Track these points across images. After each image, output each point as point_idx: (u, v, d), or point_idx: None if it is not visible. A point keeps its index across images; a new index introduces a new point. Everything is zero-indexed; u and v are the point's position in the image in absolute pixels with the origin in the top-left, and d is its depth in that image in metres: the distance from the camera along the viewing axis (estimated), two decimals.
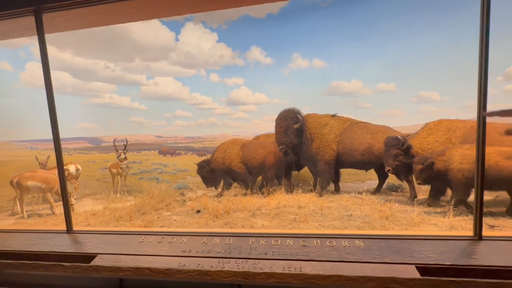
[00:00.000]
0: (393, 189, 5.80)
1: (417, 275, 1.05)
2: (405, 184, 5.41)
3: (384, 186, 5.87)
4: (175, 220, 4.56)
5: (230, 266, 1.29)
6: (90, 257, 1.57)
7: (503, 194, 4.27)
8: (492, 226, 3.55)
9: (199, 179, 6.55)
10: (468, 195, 4.04)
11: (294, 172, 6.72)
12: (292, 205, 4.85)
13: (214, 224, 4.27)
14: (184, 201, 5.80)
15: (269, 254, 1.39)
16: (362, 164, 5.83)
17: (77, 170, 6.73)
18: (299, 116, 5.90)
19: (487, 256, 1.17)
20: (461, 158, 4.10)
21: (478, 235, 1.33)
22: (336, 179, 6.03)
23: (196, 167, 6.43)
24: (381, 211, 4.18)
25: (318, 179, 6.01)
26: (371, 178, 6.57)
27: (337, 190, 5.97)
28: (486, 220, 3.72)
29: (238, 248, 1.46)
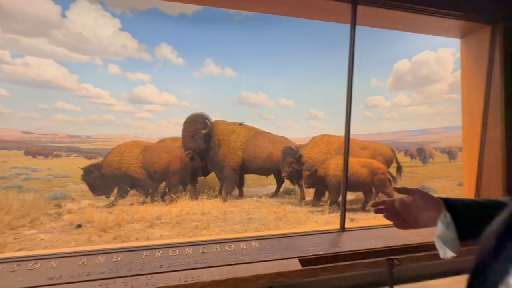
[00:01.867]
0: (288, 192, 6.60)
1: (298, 266, 1.22)
2: (297, 188, 6.27)
3: (281, 190, 6.61)
4: (42, 239, 3.58)
5: (116, 287, 1.12)
6: None
7: (360, 194, 5.62)
8: (352, 219, 4.60)
9: (85, 186, 5.45)
10: (339, 196, 5.09)
11: (201, 178, 6.62)
12: (196, 212, 4.73)
13: (100, 239, 3.62)
14: (60, 214, 4.66)
15: (164, 266, 1.29)
16: (264, 170, 6.38)
17: None
18: (207, 122, 5.90)
19: (348, 243, 1.47)
20: (335, 166, 5.15)
21: (342, 227, 1.66)
22: (240, 184, 6.33)
23: (81, 172, 5.32)
24: (276, 213, 4.68)
25: (224, 184, 6.14)
26: (271, 183, 7.25)
27: (241, 195, 6.27)
28: (349, 215, 4.79)
29: (128, 265, 1.28)
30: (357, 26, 1.45)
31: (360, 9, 1.39)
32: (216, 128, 6.16)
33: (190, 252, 1.37)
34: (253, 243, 1.45)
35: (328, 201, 5.06)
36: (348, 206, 4.96)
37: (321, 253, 1.32)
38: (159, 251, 1.38)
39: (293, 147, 5.73)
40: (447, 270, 1.53)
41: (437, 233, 0.63)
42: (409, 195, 0.67)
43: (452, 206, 0.61)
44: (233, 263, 1.26)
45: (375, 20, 1.57)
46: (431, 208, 0.63)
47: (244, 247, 1.41)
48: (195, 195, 5.84)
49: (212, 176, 6.77)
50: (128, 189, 5.57)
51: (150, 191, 5.53)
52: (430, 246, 1.38)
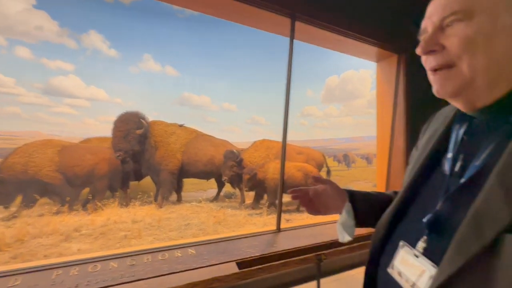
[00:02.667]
0: (229, 196, 6.60)
1: (235, 270, 1.21)
2: (237, 191, 6.32)
3: (222, 193, 6.55)
4: None
5: None
6: None
7: None
8: (288, 220, 4.89)
9: None
10: (277, 198, 5.35)
11: (134, 183, 6.02)
12: (126, 220, 4.26)
13: None
14: None
15: (82, 285, 1.11)
16: (204, 174, 6.23)
17: None
18: (143, 121, 5.44)
19: (282, 243, 1.54)
20: (274, 170, 5.41)
21: (278, 228, 1.73)
22: (178, 188, 6.02)
23: None
24: (216, 217, 4.60)
25: (160, 189, 5.73)
26: (212, 187, 7.11)
27: (179, 200, 5.96)
28: (285, 216, 5.07)
29: None
30: (296, 40, 1.57)
31: (298, 25, 1.51)
32: (154, 128, 5.73)
33: (116, 265, 1.22)
34: (189, 250, 1.39)
35: (267, 204, 5.26)
36: (284, 208, 5.26)
37: (257, 254, 1.35)
38: (75, 268, 1.18)
39: (235, 151, 5.79)
40: (364, 260, 1.77)
41: (340, 220, 0.71)
42: (322, 184, 0.73)
43: (354, 196, 0.71)
44: (166, 273, 1.17)
45: (310, 37, 1.73)
46: (338, 197, 0.71)
47: (179, 255, 1.34)
48: (125, 202, 5.28)
49: (147, 180, 6.25)
50: (37, 197, 4.63)
51: (68, 198, 4.74)
52: (351, 241, 1.58)
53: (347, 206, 0.69)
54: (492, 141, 0.44)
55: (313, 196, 0.72)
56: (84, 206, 4.96)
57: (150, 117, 5.73)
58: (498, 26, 0.43)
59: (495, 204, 0.38)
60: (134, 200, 5.29)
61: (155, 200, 5.63)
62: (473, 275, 0.37)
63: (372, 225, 0.69)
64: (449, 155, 0.51)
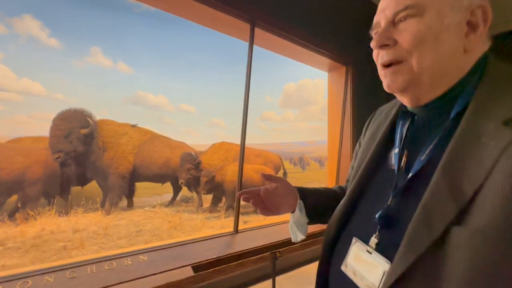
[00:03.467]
0: (185, 200, 6.36)
1: (191, 273, 1.19)
2: (195, 195, 6.14)
3: (178, 198, 6.28)
4: None
5: None
6: None
7: None
8: (245, 222, 4.93)
9: None
10: (235, 200, 5.35)
11: (77, 188, 5.39)
12: (65, 229, 3.79)
13: None
14: None
15: None
16: (160, 177, 5.90)
17: None
18: (89, 120, 4.93)
19: (239, 244, 1.56)
20: (232, 172, 5.41)
21: (236, 230, 1.74)
22: (130, 193, 5.58)
23: None
24: (171, 222, 4.40)
25: (108, 194, 5.24)
26: (168, 191, 6.76)
27: (130, 205, 5.52)
28: (243, 218, 5.10)
29: None
30: (256, 46, 1.62)
31: (258, 31, 1.56)
32: (102, 128, 5.24)
33: (51, 280, 1.08)
34: (140, 257, 1.31)
35: (224, 206, 5.23)
36: (242, 210, 5.29)
37: (214, 256, 1.34)
38: None
39: (192, 153, 5.63)
40: (316, 256, 1.88)
41: (294, 219, 0.68)
42: (273, 182, 0.69)
43: (304, 194, 0.70)
44: (113, 283, 1.09)
45: (269, 44, 1.80)
46: (290, 195, 0.68)
47: (129, 263, 1.25)
48: (65, 210, 4.69)
49: (93, 185, 5.66)
50: None
51: None
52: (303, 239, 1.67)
53: (300, 204, 0.67)
54: (435, 137, 0.45)
55: (264, 195, 0.67)
56: (11, 216, 4.25)
57: (99, 116, 5.23)
58: (445, 24, 0.43)
59: (441, 198, 0.39)
60: (76, 207, 4.73)
61: (102, 206, 5.12)
62: (426, 269, 0.38)
63: (323, 222, 0.70)
64: (396, 150, 0.52)
